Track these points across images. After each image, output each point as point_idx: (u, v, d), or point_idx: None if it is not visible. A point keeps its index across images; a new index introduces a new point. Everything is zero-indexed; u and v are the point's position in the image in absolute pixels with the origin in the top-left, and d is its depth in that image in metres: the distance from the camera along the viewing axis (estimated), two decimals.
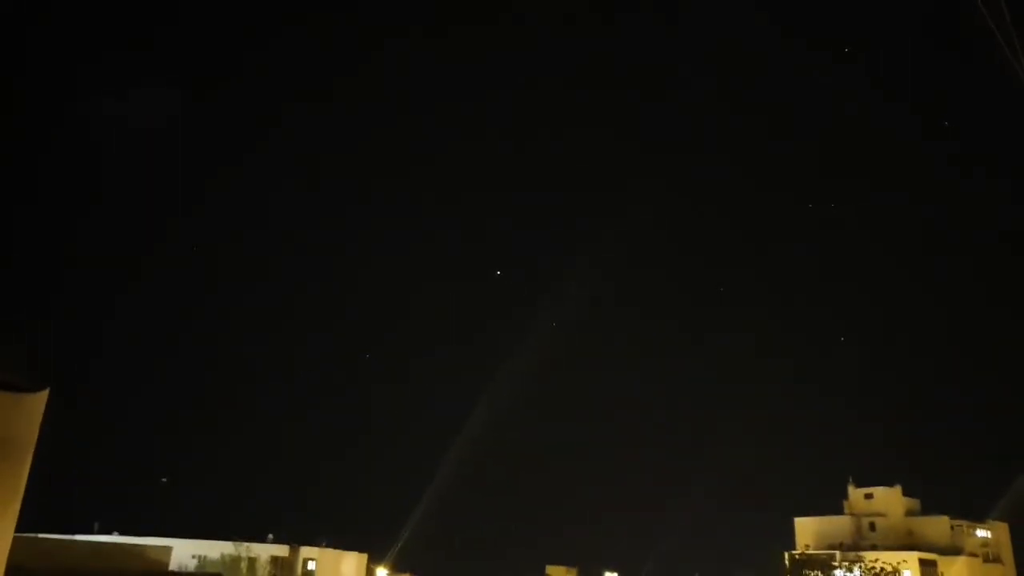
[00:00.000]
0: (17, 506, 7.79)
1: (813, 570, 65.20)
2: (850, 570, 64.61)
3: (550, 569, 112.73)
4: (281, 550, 65.03)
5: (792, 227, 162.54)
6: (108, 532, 62.03)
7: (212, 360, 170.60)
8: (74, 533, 55.46)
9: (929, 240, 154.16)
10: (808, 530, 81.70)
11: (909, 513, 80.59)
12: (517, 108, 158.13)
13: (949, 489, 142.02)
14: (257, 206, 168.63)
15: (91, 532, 61.04)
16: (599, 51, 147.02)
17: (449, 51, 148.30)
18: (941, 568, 71.77)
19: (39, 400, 7.99)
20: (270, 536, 66.56)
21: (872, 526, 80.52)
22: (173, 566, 42.54)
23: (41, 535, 37.32)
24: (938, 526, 77.47)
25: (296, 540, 67.32)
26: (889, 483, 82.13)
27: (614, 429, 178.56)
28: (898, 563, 64.10)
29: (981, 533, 78.93)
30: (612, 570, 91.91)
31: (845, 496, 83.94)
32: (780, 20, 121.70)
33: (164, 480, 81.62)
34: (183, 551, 52.47)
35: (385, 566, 79.57)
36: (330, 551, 69.71)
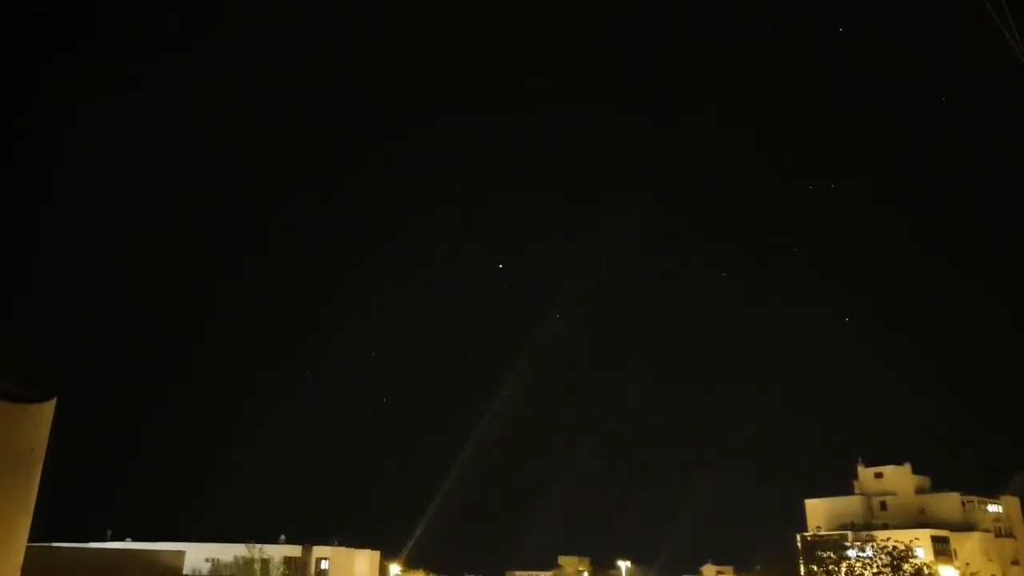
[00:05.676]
0: (29, 516, 7.76)
1: (825, 551, 65.00)
2: (862, 550, 64.45)
3: (562, 560, 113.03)
4: (294, 550, 65.19)
5: (795, 220, 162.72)
6: (121, 539, 62.26)
7: (222, 365, 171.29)
8: (87, 540, 55.61)
9: (936, 235, 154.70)
10: (819, 512, 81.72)
11: (919, 491, 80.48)
12: (519, 110, 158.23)
13: (959, 466, 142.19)
14: (260, 211, 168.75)
15: (104, 539, 61.27)
16: (599, 57, 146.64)
17: (452, 59, 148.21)
18: (954, 545, 71.71)
19: (47, 410, 7.95)
20: (283, 537, 66.71)
21: (883, 505, 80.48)
22: (187, 570, 42.69)
23: (55, 544, 37.37)
24: (949, 503, 77.39)
25: (309, 540, 67.49)
26: (898, 462, 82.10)
27: (624, 423, 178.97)
28: (910, 541, 63.87)
29: (993, 508, 78.77)
30: (625, 559, 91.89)
31: (855, 476, 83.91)
32: (779, 20, 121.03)
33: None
34: (196, 555, 52.58)
35: (398, 563, 79.78)
36: (343, 550, 69.84)
